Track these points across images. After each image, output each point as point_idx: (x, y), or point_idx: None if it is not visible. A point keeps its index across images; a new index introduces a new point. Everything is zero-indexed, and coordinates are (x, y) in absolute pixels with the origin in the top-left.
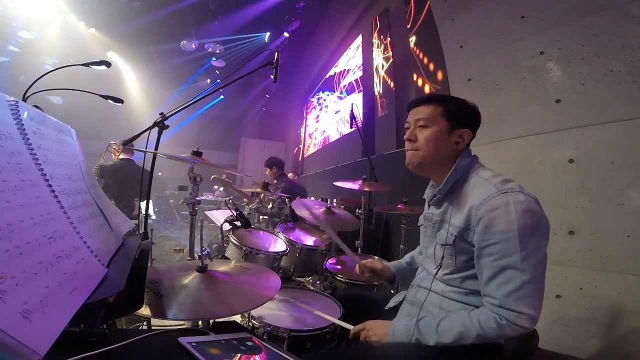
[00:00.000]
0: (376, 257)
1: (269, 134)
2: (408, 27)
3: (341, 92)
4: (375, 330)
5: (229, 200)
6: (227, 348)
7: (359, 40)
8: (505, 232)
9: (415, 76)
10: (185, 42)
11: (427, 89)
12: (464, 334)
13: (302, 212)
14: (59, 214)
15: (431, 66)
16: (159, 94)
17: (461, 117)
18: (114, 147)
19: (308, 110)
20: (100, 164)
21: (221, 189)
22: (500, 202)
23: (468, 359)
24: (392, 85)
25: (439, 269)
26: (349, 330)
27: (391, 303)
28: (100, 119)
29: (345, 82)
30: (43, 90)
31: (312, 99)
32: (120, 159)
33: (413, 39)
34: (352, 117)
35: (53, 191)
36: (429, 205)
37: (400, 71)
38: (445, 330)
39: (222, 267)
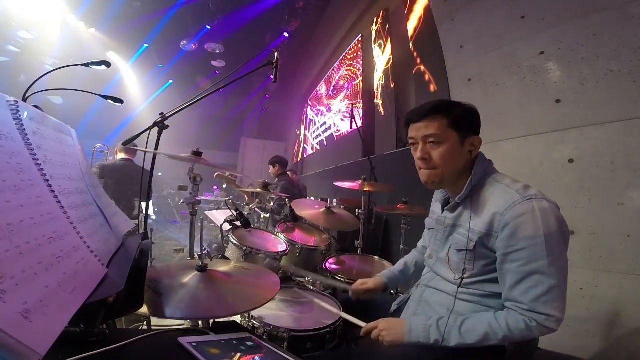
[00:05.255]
0: (376, 258)
1: (269, 134)
2: (408, 27)
3: (340, 92)
4: (390, 330)
5: (229, 200)
6: (227, 348)
7: (358, 40)
8: (532, 238)
9: (415, 76)
10: (185, 42)
11: (427, 89)
12: (490, 335)
13: (302, 212)
14: (59, 214)
15: (431, 66)
16: (159, 94)
17: (467, 124)
18: (117, 148)
19: (308, 110)
20: (102, 163)
21: (224, 185)
22: (526, 209)
23: None
24: (392, 85)
25: (463, 278)
26: (358, 327)
27: (394, 306)
28: (100, 119)
29: (344, 82)
30: (43, 90)
31: (311, 100)
32: (121, 159)
33: (413, 38)
34: (352, 117)
35: (53, 191)
36: (442, 209)
37: (400, 71)
38: (469, 331)
39: (222, 267)
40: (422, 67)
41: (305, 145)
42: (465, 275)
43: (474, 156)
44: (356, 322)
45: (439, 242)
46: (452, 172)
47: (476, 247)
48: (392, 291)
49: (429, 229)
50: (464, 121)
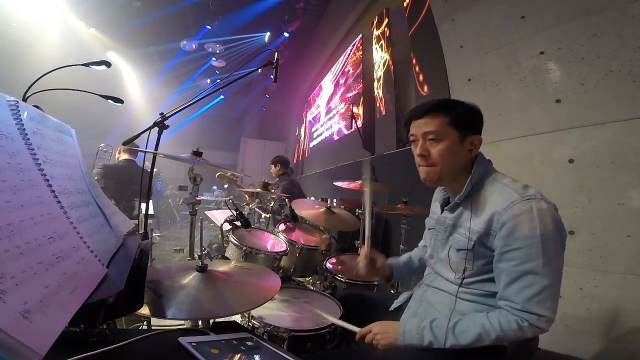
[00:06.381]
0: None
1: (269, 134)
2: (408, 27)
3: (340, 92)
4: (384, 333)
5: (229, 200)
6: (227, 348)
7: (358, 40)
8: (528, 238)
9: (415, 76)
10: (185, 42)
11: (426, 89)
12: (483, 336)
13: (302, 212)
14: (59, 214)
15: (431, 66)
16: (159, 94)
17: (468, 123)
18: (119, 148)
19: (308, 110)
20: (105, 164)
21: (225, 185)
22: (524, 209)
23: None
24: (392, 85)
25: (463, 278)
26: (354, 332)
27: (395, 303)
28: (100, 119)
29: (344, 81)
30: (43, 90)
31: (311, 100)
32: (124, 159)
33: (413, 39)
34: (352, 117)
35: (53, 191)
36: (442, 209)
37: (400, 71)
38: (462, 332)
39: (222, 267)
40: (422, 67)
41: (306, 145)
42: (465, 275)
43: (473, 155)
44: (350, 328)
45: (439, 242)
46: (450, 169)
47: (475, 247)
48: (391, 291)
49: (429, 229)
50: (464, 120)
